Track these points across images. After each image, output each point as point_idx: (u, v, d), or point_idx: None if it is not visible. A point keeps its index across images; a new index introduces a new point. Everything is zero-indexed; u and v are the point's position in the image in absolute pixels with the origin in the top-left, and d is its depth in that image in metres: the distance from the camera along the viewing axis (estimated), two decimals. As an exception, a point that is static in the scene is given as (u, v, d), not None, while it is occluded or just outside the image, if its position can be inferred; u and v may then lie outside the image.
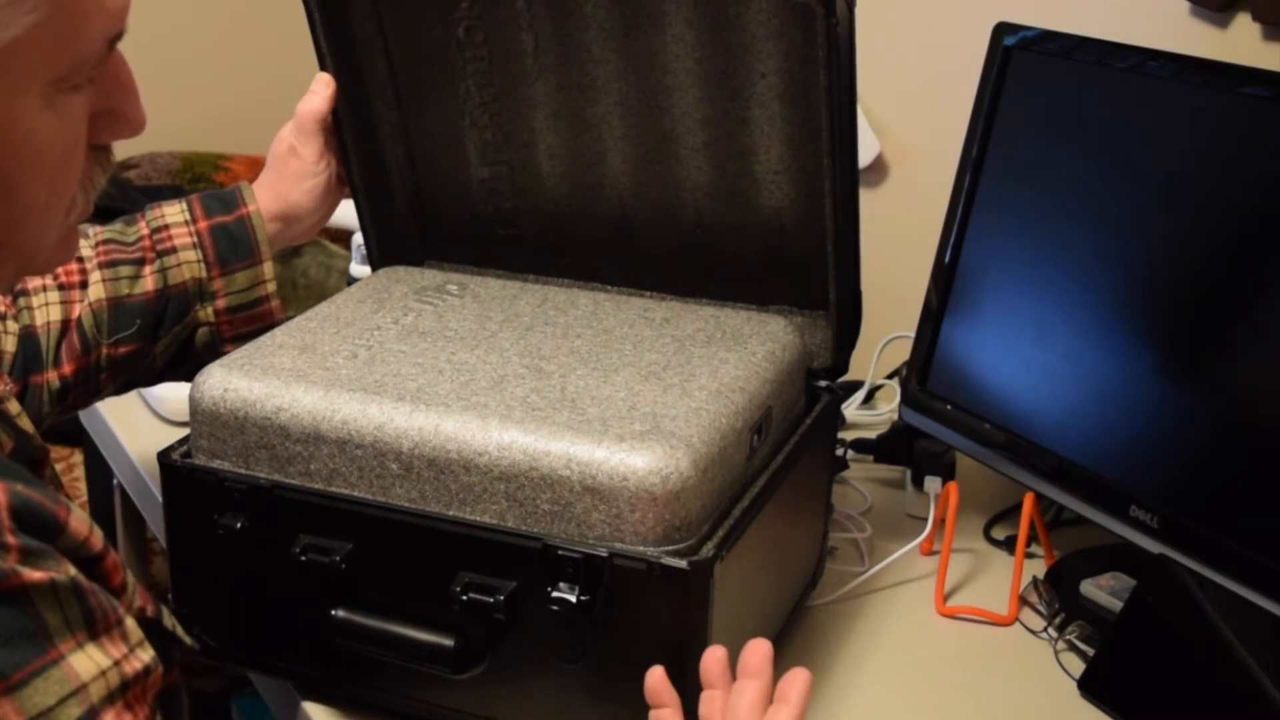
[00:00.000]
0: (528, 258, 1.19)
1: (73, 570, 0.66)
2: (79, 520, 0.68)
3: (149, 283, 1.09)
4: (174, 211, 1.12)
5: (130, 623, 0.70)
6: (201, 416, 0.95)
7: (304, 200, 1.14)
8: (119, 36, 0.71)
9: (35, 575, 0.64)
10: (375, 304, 1.09)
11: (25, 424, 0.87)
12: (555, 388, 0.94)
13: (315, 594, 0.92)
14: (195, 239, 1.11)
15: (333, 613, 0.91)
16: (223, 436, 0.94)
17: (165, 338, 1.11)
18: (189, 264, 1.10)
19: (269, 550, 0.93)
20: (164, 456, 0.97)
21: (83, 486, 1.94)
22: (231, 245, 1.11)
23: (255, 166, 2.03)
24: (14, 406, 0.88)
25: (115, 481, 1.66)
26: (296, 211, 1.14)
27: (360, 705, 0.98)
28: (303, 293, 1.60)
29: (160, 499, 0.98)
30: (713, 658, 0.81)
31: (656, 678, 0.82)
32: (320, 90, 1.13)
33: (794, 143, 1.05)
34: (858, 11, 1.59)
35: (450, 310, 1.08)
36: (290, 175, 1.14)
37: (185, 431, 0.98)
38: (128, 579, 0.74)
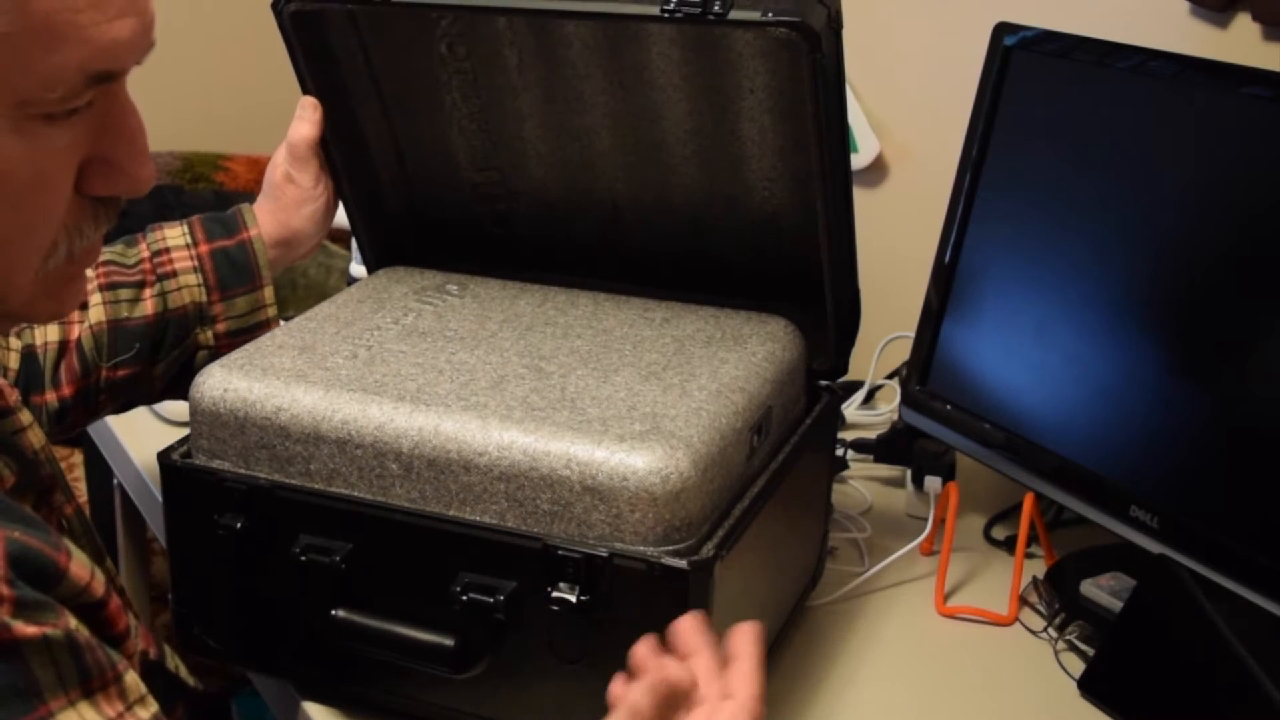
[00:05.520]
0: (524, 258, 1.19)
1: (72, 623, 0.65)
2: (80, 565, 0.67)
3: (149, 306, 1.09)
4: (175, 234, 1.11)
5: (131, 678, 0.68)
6: (201, 416, 0.95)
7: (305, 225, 1.14)
8: (108, 76, 0.67)
9: (28, 630, 0.62)
10: (375, 304, 1.09)
11: (35, 438, 0.86)
12: (555, 388, 0.94)
13: (315, 594, 0.92)
14: (196, 263, 1.10)
15: (333, 613, 0.91)
16: (223, 436, 0.94)
17: (164, 360, 1.10)
18: (189, 288, 1.10)
19: (269, 550, 0.93)
20: (164, 456, 0.97)
21: (83, 486, 1.94)
22: (232, 270, 1.11)
23: (255, 167, 2.03)
24: (25, 417, 0.86)
25: (115, 481, 1.66)
26: (297, 237, 1.14)
27: (360, 705, 0.98)
28: (303, 293, 1.60)
29: (160, 499, 0.98)
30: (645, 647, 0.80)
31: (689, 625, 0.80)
32: (308, 115, 1.12)
33: (786, 153, 1.04)
34: (858, 11, 1.59)
35: (450, 310, 1.08)
36: (289, 202, 1.13)
37: (185, 431, 0.98)
38: (130, 622, 0.74)
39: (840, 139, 0.99)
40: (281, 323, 1.11)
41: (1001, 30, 1.22)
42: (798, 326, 1.08)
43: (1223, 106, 1.04)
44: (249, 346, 1.00)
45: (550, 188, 1.15)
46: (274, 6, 1.06)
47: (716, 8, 0.92)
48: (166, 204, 1.88)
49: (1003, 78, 1.21)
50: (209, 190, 1.98)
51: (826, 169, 0.98)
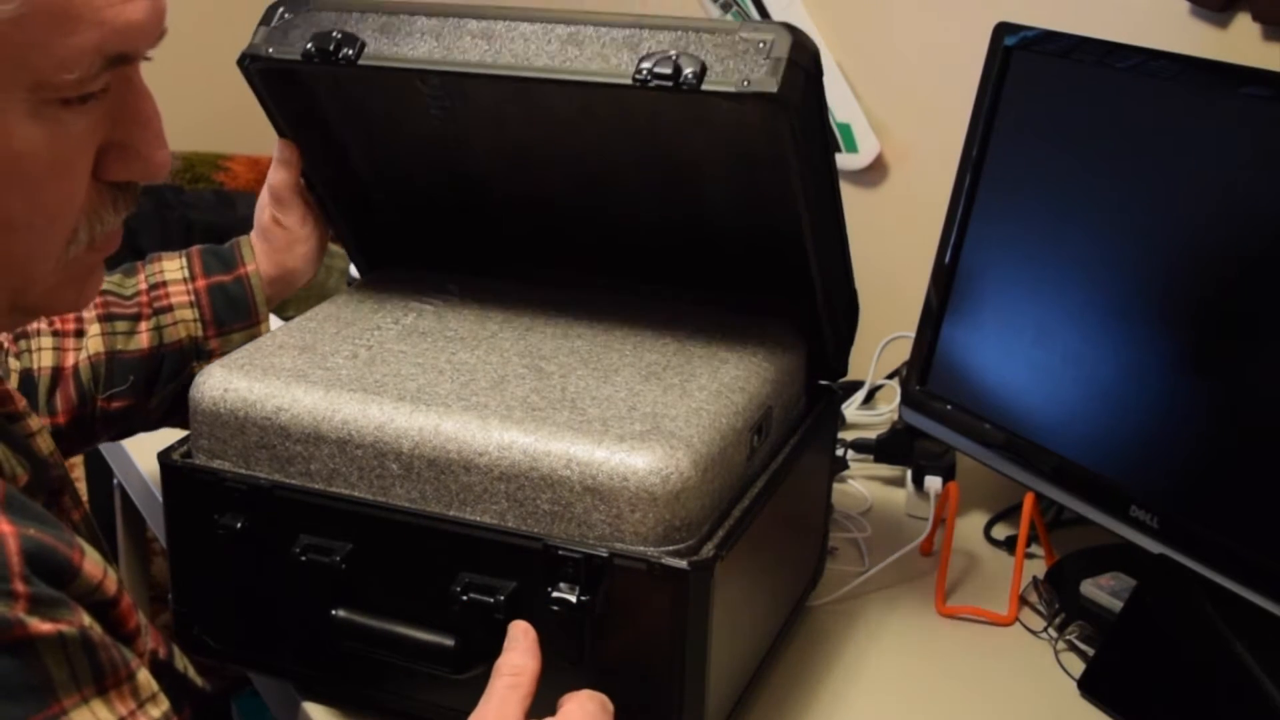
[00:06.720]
0: (520, 257, 1.18)
1: (86, 620, 0.65)
2: (93, 564, 0.67)
3: (144, 340, 1.09)
4: (173, 267, 1.11)
5: (143, 676, 0.68)
6: (201, 416, 0.95)
7: (299, 264, 1.14)
8: (123, 59, 0.69)
9: (43, 627, 0.62)
10: (375, 304, 1.09)
11: (44, 443, 0.86)
12: (555, 388, 0.94)
13: (315, 594, 0.92)
14: (193, 297, 1.10)
15: (333, 613, 0.91)
16: (223, 436, 0.94)
17: (160, 394, 1.10)
18: (185, 322, 1.10)
19: (269, 550, 0.93)
20: (164, 456, 0.97)
21: (83, 487, 1.93)
22: (229, 306, 1.11)
23: (255, 167, 2.03)
24: (35, 423, 0.87)
25: (115, 481, 1.66)
26: (292, 275, 1.15)
27: (360, 705, 0.98)
28: (303, 293, 1.60)
29: (160, 499, 0.98)
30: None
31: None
32: (285, 158, 1.11)
33: (777, 171, 1.03)
34: (858, 11, 1.59)
35: (450, 310, 1.08)
36: (280, 244, 1.13)
37: (185, 431, 0.98)
38: (141, 621, 0.74)
39: (826, 182, 0.98)
40: (281, 323, 1.11)
41: (1001, 30, 1.22)
42: (798, 327, 1.07)
43: (1223, 106, 1.04)
44: (249, 346, 1.00)
45: (544, 191, 1.14)
46: (240, 64, 1.05)
47: (689, 77, 0.89)
48: (166, 204, 1.88)
49: (1003, 78, 1.21)
50: (209, 190, 1.98)
51: (812, 213, 0.96)
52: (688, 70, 0.89)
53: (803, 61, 0.88)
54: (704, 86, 0.88)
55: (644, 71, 0.90)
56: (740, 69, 0.88)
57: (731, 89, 0.88)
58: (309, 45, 0.99)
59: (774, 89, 0.87)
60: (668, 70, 0.89)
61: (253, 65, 1.03)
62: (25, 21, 0.64)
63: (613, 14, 0.94)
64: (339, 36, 0.99)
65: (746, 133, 0.98)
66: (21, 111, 0.66)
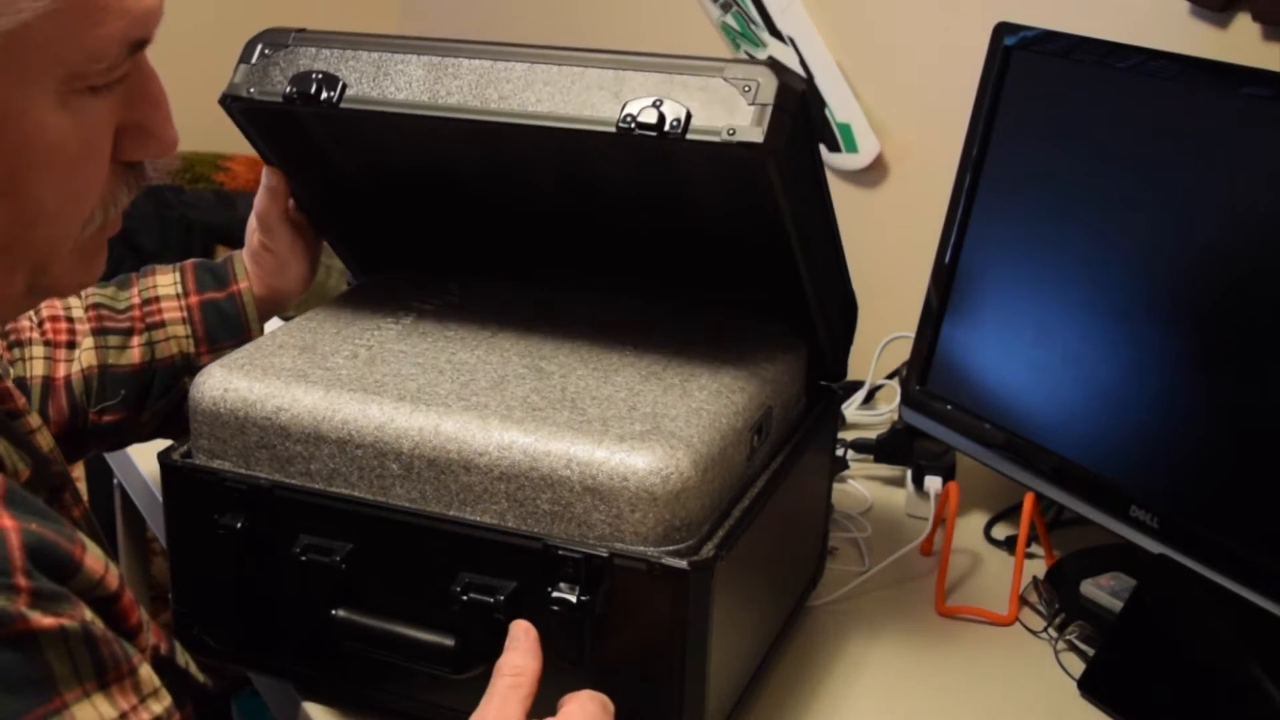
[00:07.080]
0: (517, 261, 1.18)
1: (88, 615, 0.65)
2: (94, 559, 0.68)
3: (135, 354, 1.09)
4: (166, 282, 1.11)
5: (145, 671, 0.68)
6: (201, 416, 0.95)
7: (289, 286, 1.14)
8: (142, 44, 0.71)
9: (45, 621, 0.63)
10: (375, 304, 1.09)
11: (44, 440, 0.86)
12: (555, 388, 0.94)
13: (315, 594, 0.92)
14: (185, 313, 1.10)
15: (333, 613, 0.91)
16: (223, 436, 0.94)
17: (151, 408, 1.10)
18: (177, 338, 1.10)
19: (269, 550, 0.93)
20: (164, 456, 0.97)
21: (83, 486, 1.93)
22: (221, 322, 1.11)
23: (255, 167, 2.03)
24: (35, 420, 0.87)
25: (115, 481, 1.66)
26: (283, 295, 1.14)
27: (360, 705, 0.98)
28: (303, 292, 1.60)
29: (160, 499, 0.98)
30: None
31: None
32: (273, 185, 1.10)
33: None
34: (859, 10, 1.59)
35: (450, 310, 1.08)
36: (270, 268, 1.13)
37: (184, 434, 0.98)
38: (142, 617, 0.74)
39: (817, 208, 0.97)
40: (281, 323, 1.11)
41: (1001, 30, 1.22)
42: (798, 327, 1.07)
43: (1223, 106, 1.04)
44: (249, 346, 1.00)
45: (540, 196, 1.14)
46: (222, 103, 1.04)
47: (673, 125, 0.87)
48: (166, 204, 1.89)
49: (1003, 78, 1.21)
50: (209, 190, 1.98)
51: (802, 236, 0.95)
52: (671, 119, 0.87)
53: (789, 106, 0.87)
54: (688, 136, 0.87)
55: (628, 120, 0.89)
56: (724, 116, 0.87)
57: (716, 139, 0.87)
58: (289, 88, 0.98)
59: (759, 139, 0.85)
60: (651, 119, 0.88)
61: (234, 105, 1.03)
62: (58, 15, 0.66)
63: (597, 53, 0.92)
64: (319, 77, 0.98)
65: (734, 160, 0.98)
66: (51, 103, 0.68)
